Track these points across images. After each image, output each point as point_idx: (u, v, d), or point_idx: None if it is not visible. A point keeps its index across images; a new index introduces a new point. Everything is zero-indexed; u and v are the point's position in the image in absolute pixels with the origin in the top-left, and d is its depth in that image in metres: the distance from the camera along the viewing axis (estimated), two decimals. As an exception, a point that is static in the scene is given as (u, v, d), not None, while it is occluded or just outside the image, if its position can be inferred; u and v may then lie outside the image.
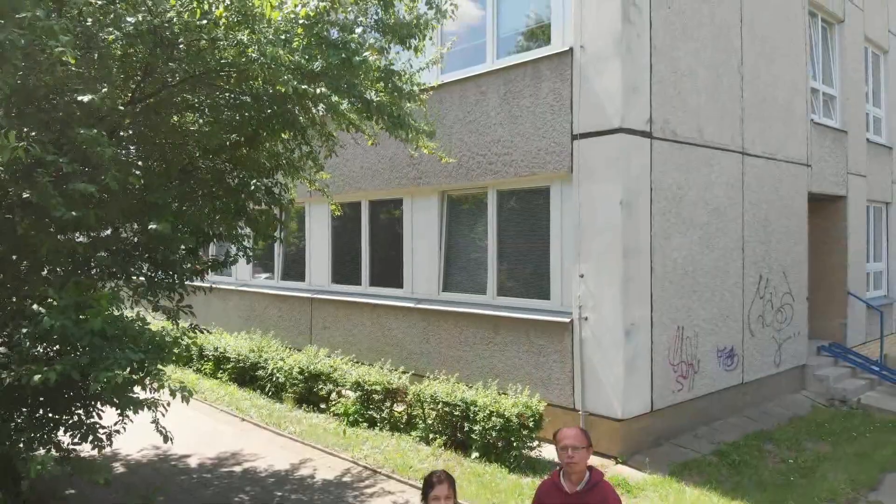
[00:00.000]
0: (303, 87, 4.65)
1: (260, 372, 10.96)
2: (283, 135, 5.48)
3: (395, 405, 9.21)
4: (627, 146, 8.02)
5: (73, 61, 3.87)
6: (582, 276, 8.20)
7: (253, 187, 5.78)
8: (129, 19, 4.25)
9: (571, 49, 8.42)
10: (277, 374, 10.54)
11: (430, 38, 6.26)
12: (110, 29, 4.28)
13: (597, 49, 8.16)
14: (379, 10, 5.75)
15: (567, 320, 8.38)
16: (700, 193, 9.07)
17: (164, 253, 5.19)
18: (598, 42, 8.15)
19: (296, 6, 4.52)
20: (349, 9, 5.19)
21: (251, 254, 6.39)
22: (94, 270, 5.08)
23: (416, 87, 6.41)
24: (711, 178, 9.27)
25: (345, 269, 12.04)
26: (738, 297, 9.76)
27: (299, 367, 10.27)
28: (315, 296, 12.33)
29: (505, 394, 8.31)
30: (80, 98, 4.06)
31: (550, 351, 8.58)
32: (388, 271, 11.18)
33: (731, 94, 9.66)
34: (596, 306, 8.11)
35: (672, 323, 8.61)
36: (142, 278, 5.35)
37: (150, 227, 4.62)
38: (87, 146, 3.99)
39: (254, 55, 4.44)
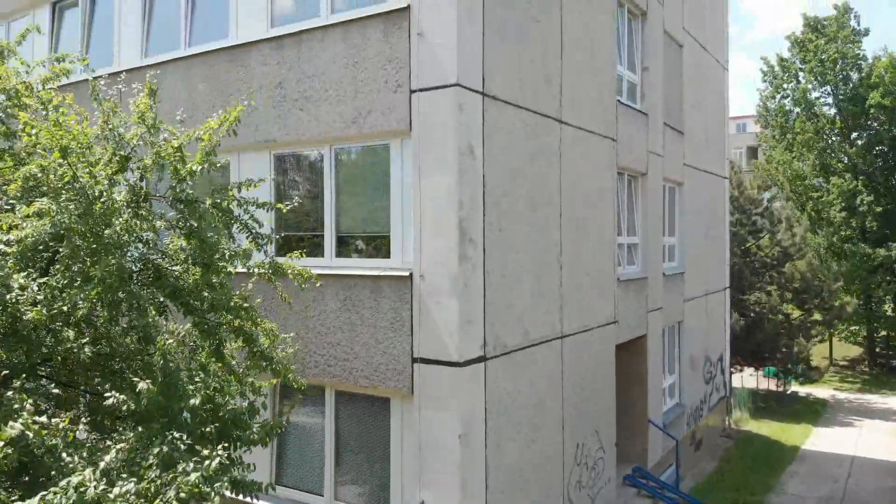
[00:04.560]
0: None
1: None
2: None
3: None
4: (464, 376, 8.43)
5: None
6: (423, 502, 8.51)
7: None
8: None
9: (412, 274, 8.69)
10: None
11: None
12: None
13: (435, 282, 8.49)
14: None
15: (407, 538, 8.66)
16: (527, 395, 9.73)
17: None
18: (436, 275, 8.48)
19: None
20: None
21: None
22: None
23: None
24: (535, 374, 9.99)
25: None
26: (559, 475, 10.59)
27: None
28: None
29: None
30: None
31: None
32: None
33: (551, 285, 10.44)
34: (434, 528, 8.46)
35: (503, 526, 9.18)
36: None
37: None
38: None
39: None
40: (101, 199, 4.95)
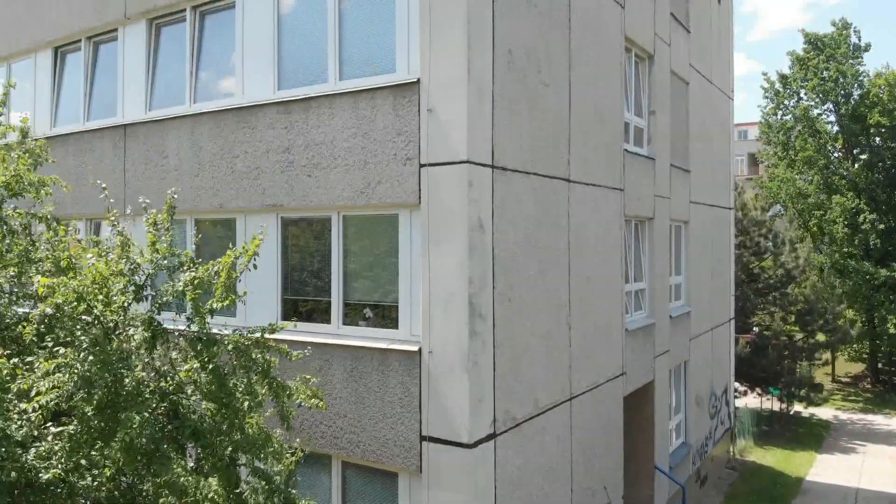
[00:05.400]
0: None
1: None
2: None
3: None
4: (474, 456, 8.31)
5: None
6: (431, 582, 8.41)
7: None
8: None
9: (420, 350, 8.58)
10: None
11: None
12: None
13: (444, 358, 8.37)
14: None
15: None
16: (536, 463, 9.62)
17: None
18: (446, 351, 8.37)
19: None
20: None
21: None
22: None
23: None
24: (545, 441, 9.87)
25: None
26: (567, 539, 10.50)
27: None
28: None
29: None
30: None
31: None
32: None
33: (560, 347, 10.32)
34: None
35: None
36: None
37: None
38: None
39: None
40: (117, 333, 4.84)
